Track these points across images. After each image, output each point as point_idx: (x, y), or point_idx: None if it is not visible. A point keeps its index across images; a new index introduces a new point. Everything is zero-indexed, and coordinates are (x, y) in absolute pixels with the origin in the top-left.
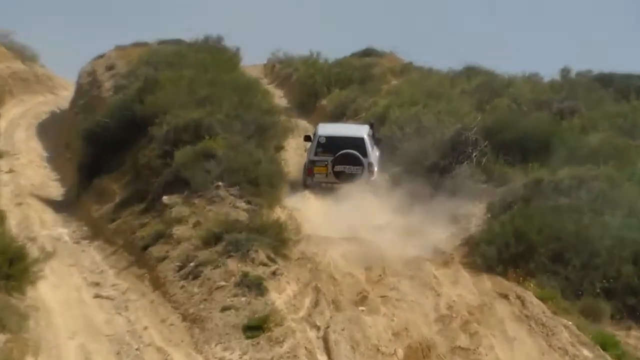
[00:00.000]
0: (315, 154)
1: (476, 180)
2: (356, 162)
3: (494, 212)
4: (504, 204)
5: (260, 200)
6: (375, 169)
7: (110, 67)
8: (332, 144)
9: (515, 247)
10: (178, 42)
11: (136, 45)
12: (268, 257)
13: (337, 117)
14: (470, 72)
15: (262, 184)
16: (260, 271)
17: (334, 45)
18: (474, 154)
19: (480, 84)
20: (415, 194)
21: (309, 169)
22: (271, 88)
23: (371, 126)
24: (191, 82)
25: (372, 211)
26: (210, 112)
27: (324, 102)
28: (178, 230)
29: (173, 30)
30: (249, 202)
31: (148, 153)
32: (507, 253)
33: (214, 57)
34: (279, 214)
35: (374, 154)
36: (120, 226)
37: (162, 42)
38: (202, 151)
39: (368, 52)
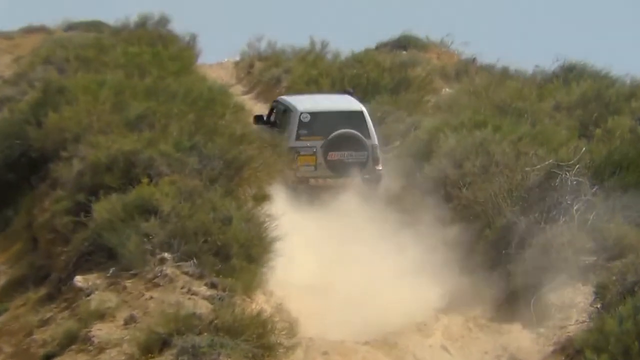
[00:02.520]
0: (297, 138)
1: (578, 250)
2: (358, 145)
3: (606, 301)
4: (622, 288)
5: (231, 283)
6: (380, 155)
7: None
8: (320, 123)
9: None
10: (97, 26)
11: (30, 30)
12: None
13: None
14: (570, 74)
15: (234, 255)
16: None
17: (350, 32)
18: (576, 207)
19: (585, 94)
20: (478, 271)
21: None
22: (248, 100)
23: (350, 95)
24: (118, 91)
25: (404, 285)
26: (150, 141)
27: None
28: (100, 331)
29: (89, 7)
30: (212, 286)
31: (50, 206)
32: None
33: (156, 50)
34: (260, 303)
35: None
36: (8, 323)
37: (72, 27)
38: (137, 203)
39: (404, 43)
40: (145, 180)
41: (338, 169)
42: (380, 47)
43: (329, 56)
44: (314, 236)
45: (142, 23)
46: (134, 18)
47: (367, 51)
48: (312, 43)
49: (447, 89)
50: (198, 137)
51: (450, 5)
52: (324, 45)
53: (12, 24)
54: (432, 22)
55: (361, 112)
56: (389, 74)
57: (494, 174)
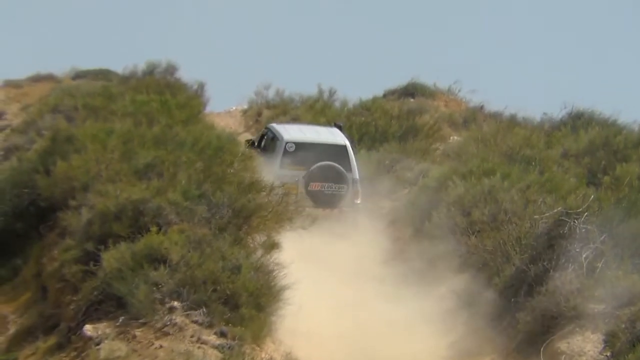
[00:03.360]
0: (281, 167)
1: (587, 297)
2: (338, 178)
3: (616, 349)
4: (632, 336)
5: (240, 331)
6: (360, 189)
7: None
8: (303, 154)
9: None
10: (105, 74)
11: (38, 79)
12: None
13: (366, 195)
14: (578, 121)
15: (244, 304)
16: None
17: (358, 79)
18: (584, 255)
19: (593, 142)
20: (488, 319)
21: None
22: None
23: (339, 129)
24: (127, 139)
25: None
26: (159, 189)
27: None
28: None
29: (97, 56)
30: (222, 335)
31: (59, 255)
32: None
33: (164, 99)
34: (270, 352)
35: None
36: None
37: (80, 75)
38: (146, 252)
39: (412, 90)
40: (154, 229)
41: (318, 200)
42: (388, 94)
43: (337, 104)
44: (323, 283)
45: (150, 71)
46: (142, 66)
47: (375, 99)
48: (320, 91)
49: (455, 137)
50: (207, 186)
51: (458, 53)
52: (332, 93)
53: (21, 73)
54: (440, 69)
55: (344, 147)
56: (397, 121)
57: (502, 222)
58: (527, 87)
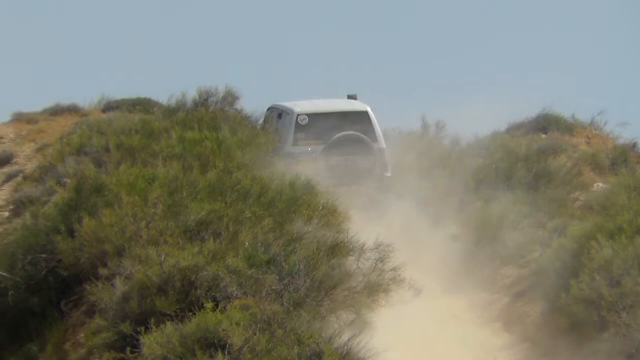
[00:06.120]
0: (294, 143)
1: None
2: (363, 148)
3: None
4: None
5: None
6: (389, 160)
7: (1, 161)
8: (319, 126)
9: None
10: (144, 104)
11: (58, 111)
12: None
13: (484, 260)
14: None
15: None
16: None
17: (472, 111)
18: None
19: None
20: None
21: None
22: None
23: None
24: (173, 189)
25: None
26: (215, 253)
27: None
28: None
29: (134, 81)
30: None
31: (87, 340)
32: None
33: (222, 136)
34: None
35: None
36: None
37: (112, 106)
38: (198, 335)
39: (544, 123)
40: (209, 304)
41: (341, 176)
42: (513, 129)
43: (446, 141)
44: None
45: (203, 101)
46: (192, 94)
47: (496, 135)
48: (425, 125)
49: (600, 184)
50: (277, 249)
51: (602, 77)
52: (440, 127)
53: (36, 104)
54: (579, 97)
55: (366, 112)
56: (525, 164)
57: None
58: None
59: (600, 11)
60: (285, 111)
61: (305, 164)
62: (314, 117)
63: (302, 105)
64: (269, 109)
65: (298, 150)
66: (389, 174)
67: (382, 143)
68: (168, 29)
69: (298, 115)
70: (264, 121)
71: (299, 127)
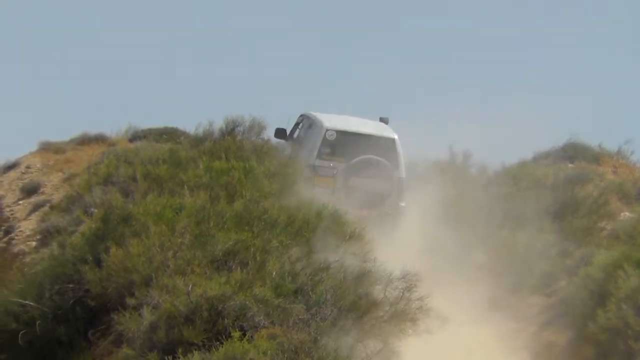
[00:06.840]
0: (318, 156)
1: None
2: (383, 175)
3: None
4: None
5: None
6: (405, 190)
7: (29, 190)
8: (345, 144)
9: None
10: (171, 134)
11: (85, 141)
12: None
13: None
14: None
15: None
16: None
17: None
18: None
19: None
20: None
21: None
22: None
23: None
24: (200, 219)
25: None
26: (243, 283)
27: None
28: None
29: (160, 111)
30: None
31: None
32: None
33: (249, 166)
34: None
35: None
36: None
37: (139, 136)
38: None
39: (570, 152)
40: (236, 334)
41: (357, 198)
42: (540, 158)
43: (473, 170)
44: None
45: (230, 130)
46: (219, 124)
47: (522, 164)
48: (452, 154)
49: (627, 213)
50: (304, 278)
51: (630, 104)
52: (467, 156)
53: (63, 133)
54: (607, 125)
55: (393, 140)
56: (551, 193)
57: None
58: None
59: (627, 38)
60: (316, 123)
61: (325, 180)
62: (342, 134)
63: (333, 121)
64: (301, 115)
65: (320, 164)
66: (403, 204)
67: (403, 172)
68: (196, 59)
69: (327, 130)
70: (295, 126)
71: (325, 141)
